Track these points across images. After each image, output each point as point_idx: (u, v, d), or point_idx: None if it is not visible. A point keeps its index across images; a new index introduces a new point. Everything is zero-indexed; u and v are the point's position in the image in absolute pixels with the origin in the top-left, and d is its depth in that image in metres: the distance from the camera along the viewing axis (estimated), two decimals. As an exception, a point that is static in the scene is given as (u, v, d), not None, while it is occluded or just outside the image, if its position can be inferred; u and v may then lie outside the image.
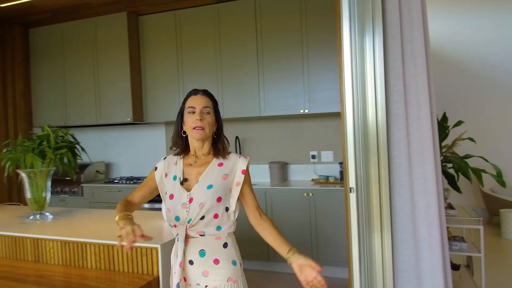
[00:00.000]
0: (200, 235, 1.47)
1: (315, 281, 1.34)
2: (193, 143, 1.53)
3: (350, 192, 1.53)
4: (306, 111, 3.75)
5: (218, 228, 1.48)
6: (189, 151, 1.58)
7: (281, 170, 3.98)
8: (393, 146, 1.72)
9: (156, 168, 1.65)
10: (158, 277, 1.80)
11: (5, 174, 2.54)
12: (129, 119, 4.27)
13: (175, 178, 1.53)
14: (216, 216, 1.46)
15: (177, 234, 1.48)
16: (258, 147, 4.27)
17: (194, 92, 1.55)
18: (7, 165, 2.49)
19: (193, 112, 1.49)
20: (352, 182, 1.53)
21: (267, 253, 3.68)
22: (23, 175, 2.42)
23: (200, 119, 1.46)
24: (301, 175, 4.10)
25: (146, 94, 4.38)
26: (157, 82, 4.33)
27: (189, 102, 1.52)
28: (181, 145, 1.57)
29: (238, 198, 1.53)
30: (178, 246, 1.46)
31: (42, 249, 2.07)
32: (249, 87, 3.95)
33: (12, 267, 2.01)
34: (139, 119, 4.36)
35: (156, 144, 4.72)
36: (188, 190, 1.48)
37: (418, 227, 1.66)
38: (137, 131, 4.80)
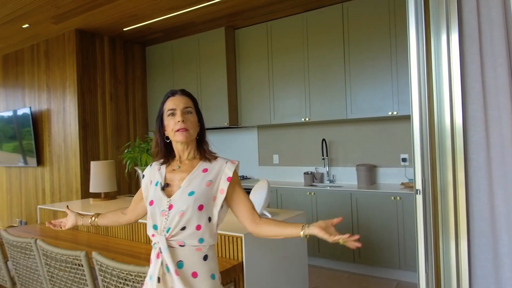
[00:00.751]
0: (180, 245, 1.35)
1: (345, 235, 1.26)
2: (177, 146, 1.44)
3: (417, 194, 1.57)
4: (395, 113, 3.69)
5: (201, 240, 1.36)
6: (174, 156, 1.47)
7: (368, 172, 3.96)
8: (471, 149, 1.69)
9: (143, 176, 1.54)
10: (242, 262, 2.05)
11: (126, 171, 3.11)
12: (226, 123, 4.70)
13: (157, 183, 1.42)
14: (198, 227, 1.34)
15: (155, 243, 1.37)
16: (345, 150, 4.32)
17: (172, 93, 1.44)
18: (128, 163, 3.04)
19: (174, 114, 1.39)
20: (418, 184, 1.56)
21: (352, 253, 3.71)
22: (139, 171, 2.93)
23: (183, 120, 1.36)
24: (391, 178, 4.02)
25: (241, 101, 4.78)
26: (250, 90, 4.69)
27: (168, 104, 1.42)
28: (164, 152, 1.46)
29: (229, 206, 1.43)
30: (164, 256, 1.32)
31: (152, 232, 2.51)
32: (336, 90, 4.03)
33: (130, 246, 2.48)
34: (234, 123, 4.77)
35: (249, 146, 5.08)
36: (169, 196, 1.37)
37: (498, 233, 1.61)
38: (233, 134, 5.24)
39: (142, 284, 1.66)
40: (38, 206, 3.28)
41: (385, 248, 3.54)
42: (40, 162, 5.15)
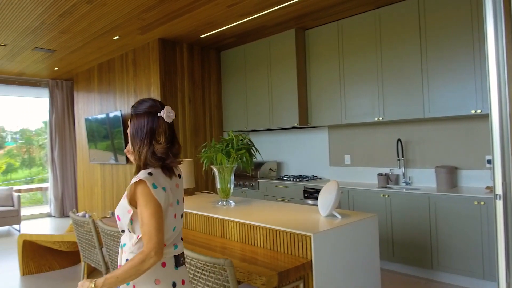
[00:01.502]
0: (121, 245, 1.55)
1: None
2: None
3: (497, 199, 1.47)
4: (479, 111, 3.42)
5: (124, 245, 1.50)
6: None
7: (449, 175, 3.72)
8: None
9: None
10: (311, 261, 2.10)
11: (203, 169, 3.33)
12: (296, 124, 4.76)
13: None
14: (124, 233, 1.51)
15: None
16: (422, 150, 4.10)
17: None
18: (204, 162, 3.26)
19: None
20: (498, 189, 1.46)
21: (430, 259, 3.52)
22: (214, 170, 3.12)
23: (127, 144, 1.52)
24: (474, 181, 3.73)
25: (311, 101, 4.79)
26: (320, 90, 4.68)
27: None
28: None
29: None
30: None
31: (226, 228, 2.67)
32: (412, 88, 3.85)
33: (205, 239, 2.67)
34: (304, 123, 4.80)
35: (320, 146, 5.07)
36: None
37: None
38: (303, 134, 5.27)
39: (217, 274, 1.80)
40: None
41: (467, 256, 3.30)
42: (128, 160, 5.71)
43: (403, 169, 4.21)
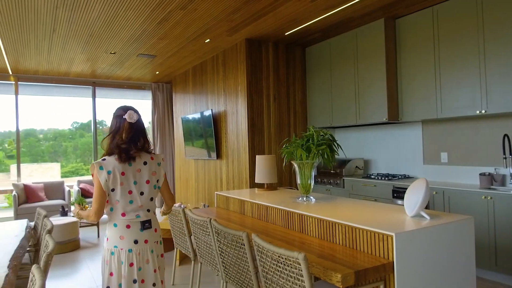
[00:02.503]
0: None
1: None
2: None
3: None
4: None
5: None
6: None
7: None
8: None
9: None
10: (393, 262, 1.98)
11: (283, 164, 3.37)
12: (384, 119, 4.51)
13: None
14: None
15: None
16: (538, 148, 3.54)
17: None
18: (285, 157, 3.29)
19: None
20: None
21: (545, 275, 3.04)
22: (295, 165, 3.13)
23: None
24: None
25: (402, 94, 4.49)
26: (412, 82, 4.36)
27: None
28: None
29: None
30: None
31: (304, 223, 2.67)
32: (524, 77, 3.35)
33: (284, 233, 2.71)
34: (394, 118, 4.52)
35: (412, 143, 4.73)
36: None
37: None
38: (393, 130, 4.97)
39: (291, 267, 1.82)
40: (215, 192, 3.90)
41: None
42: (219, 155, 6.05)
43: (510, 168, 3.70)
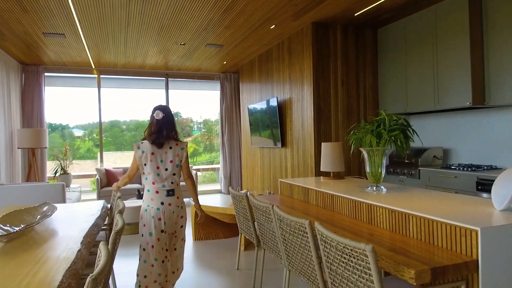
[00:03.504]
0: None
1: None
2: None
3: None
4: None
5: None
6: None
7: None
8: None
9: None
10: (477, 260, 1.74)
11: (351, 151, 3.17)
12: (468, 103, 4.05)
13: None
14: None
15: None
16: None
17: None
18: (353, 144, 3.10)
19: None
20: None
21: None
22: (364, 152, 2.93)
23: None
24: None
25: (489, 76, 3.98)
26: (503, 62, 3.83)
27: None
28: None
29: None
30: None
31: (374, 214, 2.48)
32: None
33: (351, 224, 2.55)
34: (479, 102, 4.04)
35: (502, 129, 4.19)
36: None
37: None
38: (478, 116, 4.45)
39: (358, 259, 1.68)
40: (279, 180, 3.83)
41: None
42: (284, 144, 5.97)
43: None
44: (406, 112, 4.99)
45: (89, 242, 2.08)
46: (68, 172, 7.27)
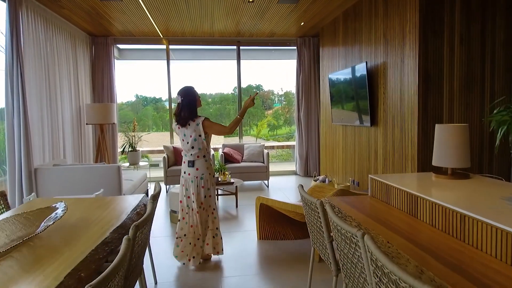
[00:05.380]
0: None
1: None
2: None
3: None
4: None
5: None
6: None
7: None
8: None
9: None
10: None
11: (496, 143, 1.96)
12: None
13: None
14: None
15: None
16: None
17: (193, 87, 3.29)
18: (500, 130, 1.90)
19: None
20: None
21: None
22: (523, 145, 1.73)
23: None
24: None
25: None
26: None
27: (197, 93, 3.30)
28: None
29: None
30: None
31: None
32: None
33: (409, 225, 1.43)
34: None
35: None
36: None
37: None
38: None
39: None
40: (370, 176, 2.75)
41: None
42: (374, 121, 4.77)
43: None
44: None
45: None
46: (137, 149, 6.96)
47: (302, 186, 2.59)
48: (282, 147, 10.16)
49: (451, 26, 3.79)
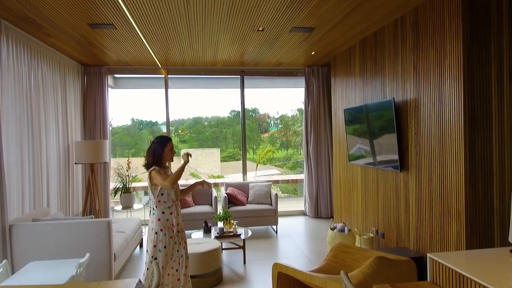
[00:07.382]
0: None
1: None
2: (167, 162, 3.21)
3: None
4: None
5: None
6: (161, 165, 3.14)
7: None
8: None
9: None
10: None
11: None
12: None
13: None
14: None
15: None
16: None
17: (170, 139, 3.17)
18: None
19: (172, 150, 3.18)
20: None
21: None
22: None
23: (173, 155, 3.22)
24: None
25: None
26: None
27: (171, 145, 3.16)
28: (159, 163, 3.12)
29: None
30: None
31: None
32: None
33: None
34: None
35: None
36: None
37: None
38: None
39: None
40: (429, 255, 2.09)
41: None
42: (403, 166, 4.15)
43: None
44: None
45: None
46: (132, 190, 6.27)
47: (346, 274, 1.93)
48: (288, 181, 9.50)
49: (499, 58, 3.24)
